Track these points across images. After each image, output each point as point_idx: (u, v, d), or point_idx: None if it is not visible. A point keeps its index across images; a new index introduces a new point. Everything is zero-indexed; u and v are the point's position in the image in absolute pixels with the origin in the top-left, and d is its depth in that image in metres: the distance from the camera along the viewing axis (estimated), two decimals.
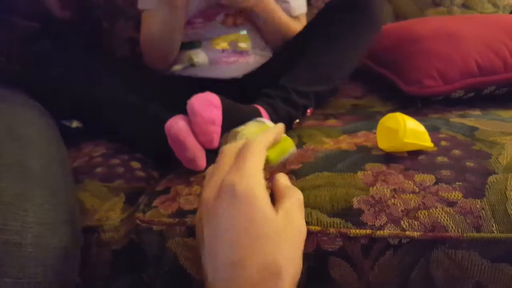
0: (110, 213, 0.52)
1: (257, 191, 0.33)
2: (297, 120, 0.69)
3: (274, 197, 0.37)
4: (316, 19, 0.80)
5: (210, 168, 0.40)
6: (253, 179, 0.34)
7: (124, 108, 0.66)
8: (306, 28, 0.82)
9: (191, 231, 0.47)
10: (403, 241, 0.42)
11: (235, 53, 0.84)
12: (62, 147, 0.57)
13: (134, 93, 0.68)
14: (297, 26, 0.87)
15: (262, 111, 0.64)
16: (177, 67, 0.84)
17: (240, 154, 0.36)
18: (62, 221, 0.42)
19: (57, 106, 0.63)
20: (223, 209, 0.33)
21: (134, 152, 0.66)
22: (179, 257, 0.47)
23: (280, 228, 0.33)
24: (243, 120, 0.60)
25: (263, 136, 0.40)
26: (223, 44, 0.84)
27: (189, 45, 0.84)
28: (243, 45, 0.84)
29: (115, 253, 0.51)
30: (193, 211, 0.48)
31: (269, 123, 0.54)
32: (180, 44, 0.83)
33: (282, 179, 0.40)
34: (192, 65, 0.83)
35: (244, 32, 0.85)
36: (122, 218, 0.52)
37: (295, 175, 0.50)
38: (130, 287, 0.52)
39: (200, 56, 0.83)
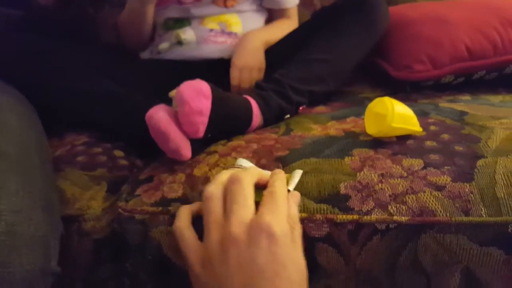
0: (91, 202, 0.51)
1: (289, 236, 0.34)
2: (288, 115, 0.68)
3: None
4: (319, 18, 0.79)
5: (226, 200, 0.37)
6: (286, 224, 0.34)
7: (105, 99, 0.64)
8: (307, 24, 0.81)
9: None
10: (390, 226, 0.41)
11: (223, 34, 0.82)
12: (41, 135, 0.55)
13: (115, 83, 0.67)
14: (289, 27, 0.85)
15: (253, 102, 0.63)
16: (164, 45, 0.82)
17: (271, 198, 0.36)
18: (38, 208, 0.40)
19: (38, 99, 0.61)
20: (261, 250, 0.32)
21: (117, 141, 0.64)
22: (162, 246, 0.46)
23: (303, 270, 0.34)
24: (232, 112, 0.59)
25: (283, 186, 0.39)
26: (212, 24, 0.82)
27: (179, 23, 0.82)
28: (233, 27, 0.83)
29: (97, 243, 0.49)
30: (177, 200, 0.47)
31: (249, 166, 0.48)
32: (169, 23, 0.83)
33: (295, 208, 0.38)
34: (180, 42, 0.81)
35: (235, 14, 0.83)
36: (104, 207, 0.51)
37: (281, 162, 0.49)
38: (113, 276, 0.51)
39: (187, 34, 0.81)
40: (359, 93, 0.78)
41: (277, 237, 0.32)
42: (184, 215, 0.39)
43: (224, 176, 0.38)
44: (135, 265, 0.49)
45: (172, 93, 0.61)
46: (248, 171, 0.38)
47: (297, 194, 0.40)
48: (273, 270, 0.31)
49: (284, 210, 0.35)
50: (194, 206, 0.41)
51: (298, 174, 0.44)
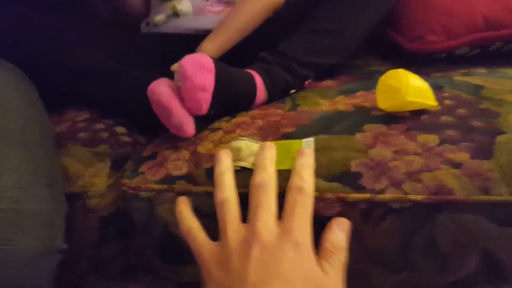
0: (95, 179, 0.50)
1: (311, 249, 0.35)
2: (294, 90, 0.65)
3: (321, 247, 0.36)
4: None
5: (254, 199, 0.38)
6: (309, 234, 0.35)
7: (104, 75, 0.62)
8: None
9: None
10: (405, 205, 0.39)
11: (220, 3, 0.78)
12: (42, 110, 0.53)
13: (113, 58, 0.64)
14: None
15: (257, 77, 0.60)
16: (160, 17, 0.79)
17: (295, 205, 0.36)
18: (42, 185, 0.39)
19: (36, 76, 0.58)
20: (287, 256, 0.33)
21: (119, 117, 0.62)
22: (169, 225, 0.45)
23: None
24: (236, 87, 0.56)
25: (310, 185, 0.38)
26: None
27: None
28: None
29: (102, 220, 0.48)
30: (182, 177, 0.45)
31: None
32: None
33: (339, 234, 0.38)
34: (176, 14, 0.78)
35: None
36: (108, 184, 0.50)
37: (289, 139, 0.47)
38: (120, 254, 0.50)
39: (183, 4, 0.77)
40: (367, 66, 0.75)
41: (301, 245, 0.33)
42: (188, 215, 0.40)
43: (228, 178, 0.40)
44: (141, 243, 0.48)
45: (174, 67, 0.58)
46: (270, 176, 0.39)
47: (344, 221, 0.39)
48: (294, 279, 0.31)
49: (308, 218, 0.36)
50: (188, 204, 0.42)
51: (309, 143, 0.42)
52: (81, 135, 0.56)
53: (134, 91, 0.57)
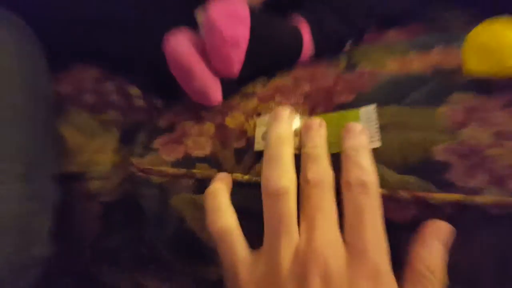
0: (99, 155, 0.41)
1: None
2: (350, 42, 0.53)
3: (409, 268, 0.27)
4: None
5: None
6: (387, 252, 0.26)
7: (116, 26, 0.52)
8: None
9: (201, 186, 0.35)
10: (510, 211, 0.28)
11: None
12: (41, 73, 0.44)
13: (129, 6, 0.53)
14: None
15: (303, 26, 0.49)
16: None
17: (362, 212, 0.27)
18: (15, 175, 0.30)
19: (41, 28, 0.49)
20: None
21: (133, 75, 0.52)
22: (186, 219, 0.36)
23: None
24: (276, 41, 0.45)
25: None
26: None
27: None
28: None
29: (106, 207, 0.40)
30: (204, 159, 0.36)
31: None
32: None
33: (436, 249, 0.27)
34: None
35: None
36: (115, 162, 0.41)
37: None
38: (128, 244, 0.43)
39: None
40: (444, 11, 0.60)
41: (383, 277, 0.24)
42: (226, 206, 0.29)
43: (289, 153, 0.29)
44: (152, 235, 0.40)
45: (199, 17, 0.47)
46: (326, 169, 0.29)
47: (442, 227, 0.28)
48: None
49: (382, 227, 0.27)
50: (229, 187, 0.31)
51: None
52: (87, 97, 0.47)
53: (149, 45, 0.47)
